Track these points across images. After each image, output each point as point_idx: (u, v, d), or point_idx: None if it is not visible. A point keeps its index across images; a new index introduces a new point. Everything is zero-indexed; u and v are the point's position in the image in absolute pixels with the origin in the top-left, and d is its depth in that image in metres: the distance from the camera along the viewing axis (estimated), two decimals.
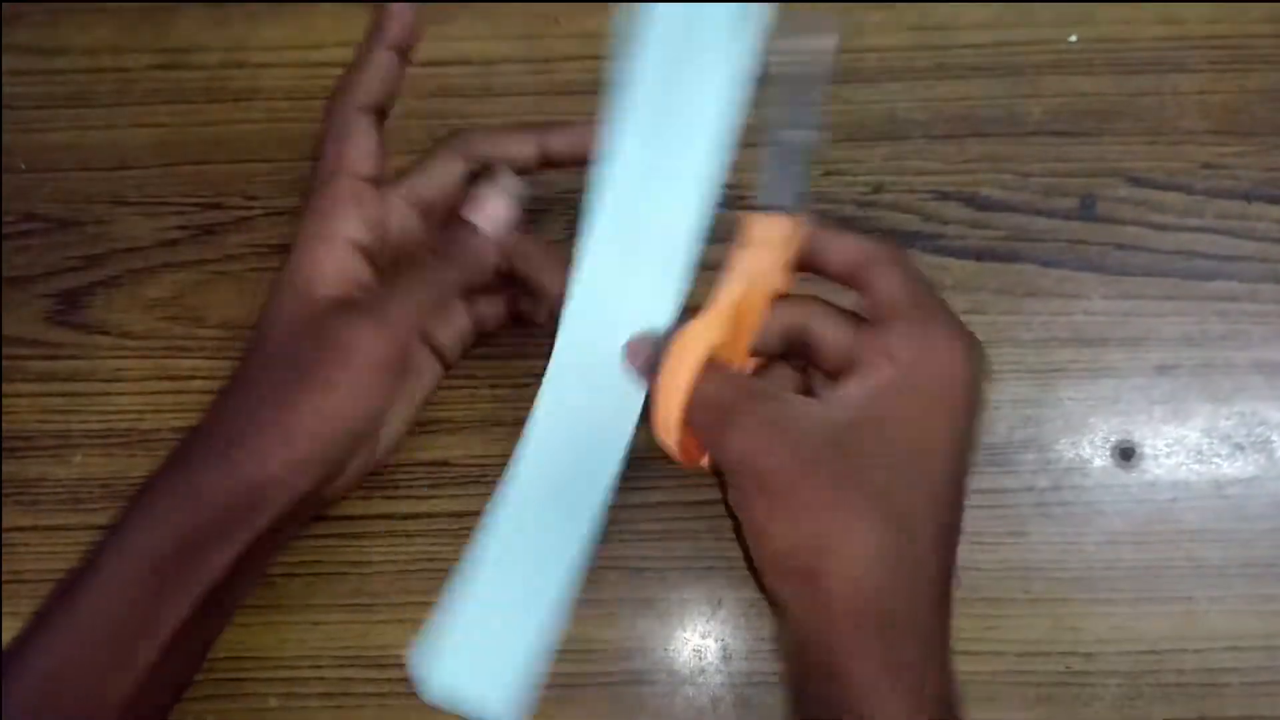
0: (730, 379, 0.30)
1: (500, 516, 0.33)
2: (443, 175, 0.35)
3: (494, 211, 0.34)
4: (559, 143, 0.35)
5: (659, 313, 0.32)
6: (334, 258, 0.33)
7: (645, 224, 0.33)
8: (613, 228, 0.33)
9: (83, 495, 0.41)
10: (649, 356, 0.32)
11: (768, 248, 0.30)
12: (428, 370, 0.37)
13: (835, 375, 0.30)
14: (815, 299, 0.32)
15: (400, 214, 0.35)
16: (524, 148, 0.35)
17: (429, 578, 0.39)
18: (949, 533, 0.29)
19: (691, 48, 0.32)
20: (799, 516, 0.28)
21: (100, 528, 0.40)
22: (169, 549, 0.30)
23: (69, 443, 0.42)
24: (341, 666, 0.38)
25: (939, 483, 0.29)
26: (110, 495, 0.41)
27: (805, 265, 0.32)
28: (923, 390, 0.29)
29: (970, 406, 0.30)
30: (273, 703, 0.39)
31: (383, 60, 0.34)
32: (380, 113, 0.34)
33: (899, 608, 0.28)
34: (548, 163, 0.35)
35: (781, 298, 0.31)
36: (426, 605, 0.38)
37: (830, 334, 0.31)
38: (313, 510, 0.35)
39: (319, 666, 0.39)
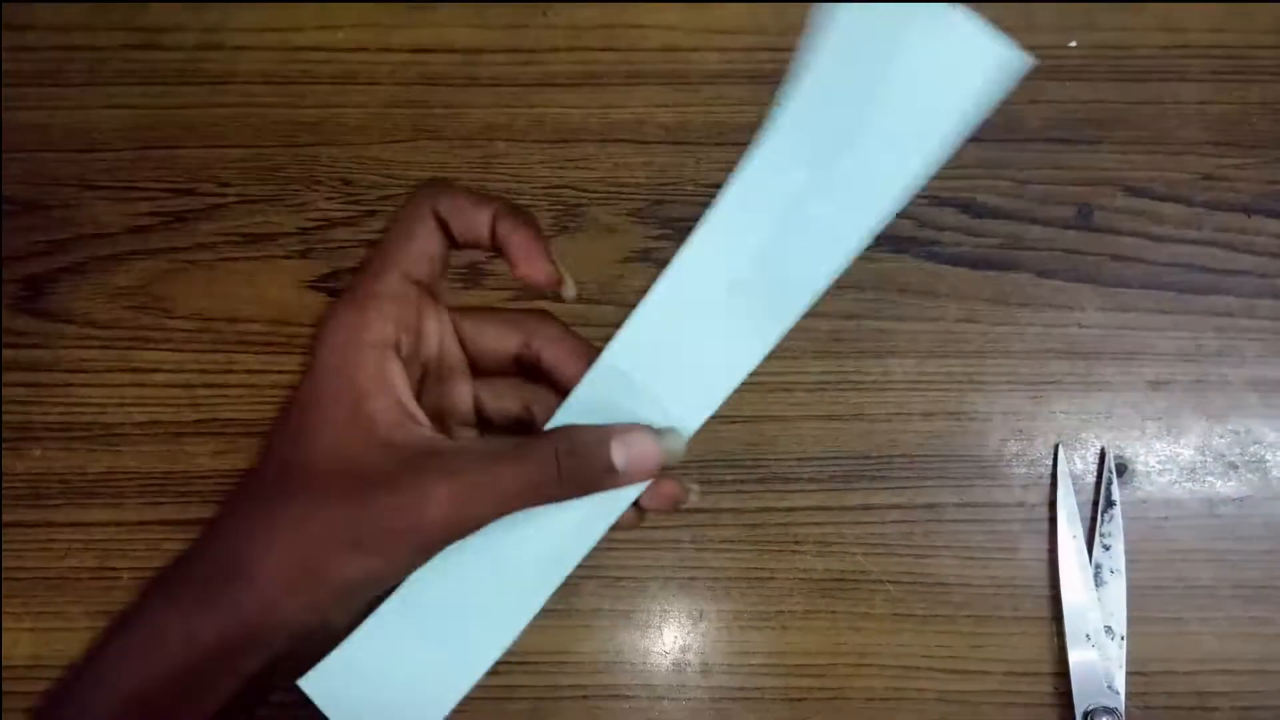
0: None
1: None
2: (426, 250, 0.30)
3: (641, 457, 0.28)
4: (511, 234, 0.30)
5: (743, 353, 0.27)
6: (373, 356, 0.28)
7: (774, 253, 0.27)
8: (730, 245, 0.27)
9: (42, 490, 0.40)
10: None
11: None
12: None
13: None
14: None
15: (441, 331, 0.31)
16: (481, 221, 0.30)
17: None
18: None
19: (909, 67, 0.25)
20: None
21: (56, 525, 0.39)
22: (158, 689, 0.27)
23: (29, 435, 0.40)
24: None
25: None
26: (70, 491, 0.39)
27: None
28: None
29: None
30: None
31: (470, 193, 0.30)
32: (449, 232, 0.30)
33: None
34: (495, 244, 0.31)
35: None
36: None
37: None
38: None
39: None
